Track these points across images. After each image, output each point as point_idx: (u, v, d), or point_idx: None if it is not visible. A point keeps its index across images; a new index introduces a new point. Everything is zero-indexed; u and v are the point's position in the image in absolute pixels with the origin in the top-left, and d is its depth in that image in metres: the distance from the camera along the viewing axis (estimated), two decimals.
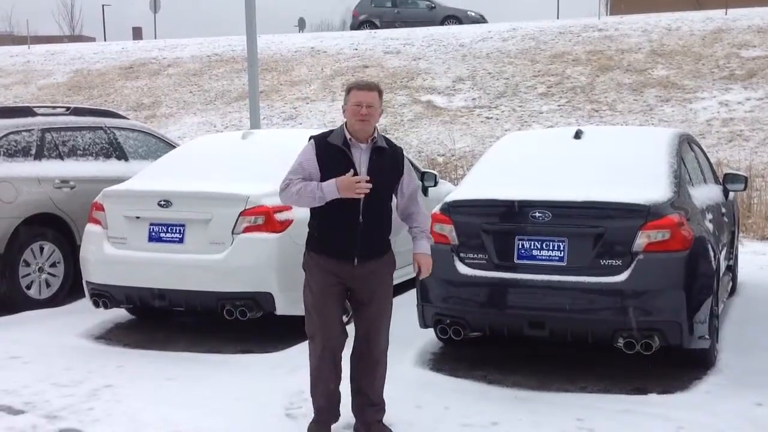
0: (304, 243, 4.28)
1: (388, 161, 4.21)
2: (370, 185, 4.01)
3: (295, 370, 5.20)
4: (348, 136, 4.13)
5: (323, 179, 4.08)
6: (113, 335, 6.64)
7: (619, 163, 5.63)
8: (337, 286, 4.17)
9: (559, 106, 17.21)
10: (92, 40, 46.37)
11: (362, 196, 4.01)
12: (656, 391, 5.05)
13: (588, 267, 4.99)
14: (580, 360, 5.70)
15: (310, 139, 4.25)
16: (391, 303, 4.33)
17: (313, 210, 4.20)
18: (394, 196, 4.29)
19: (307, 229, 4.28)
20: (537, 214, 5.11)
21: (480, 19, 26.93)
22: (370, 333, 4.25)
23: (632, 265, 4.90)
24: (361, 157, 4.13)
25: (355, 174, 4.05)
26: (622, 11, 27.14)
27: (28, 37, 32.00)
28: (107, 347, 6.27)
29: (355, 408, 4.34)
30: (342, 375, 4.30)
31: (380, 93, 4.20)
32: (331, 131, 4.24)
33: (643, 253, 4.90)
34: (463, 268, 5.29)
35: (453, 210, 5.42)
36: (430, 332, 5.67)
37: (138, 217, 6.20)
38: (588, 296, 4.98)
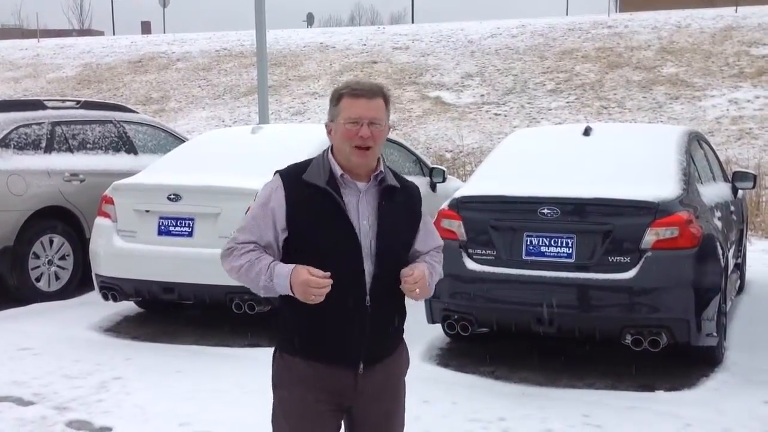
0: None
1: (402, 207, 2.65)
2: (327, 289, 2.44)
3: None
4: (339, 172, 2.56)
5: (295, 243, 2.56)
6: (122, 328, 6.67)
7: (627, 161, 5.63)
8: (330, 407, 2.63)
9: (567, 102, 17.17)
10: (101, 34, 46.59)
11: (319, 300, 2.45)
12: (663, 388, 5.05)
13: (596, 264, 4.99)
14: (587, 356, 5.70)
15: (275, 173, 2.65)
16: (403, 418, 2.92)
17: None
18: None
19: (282, 311, 2.68)
20: (545, 211, 5.12)
21: None
22: None
23: (640, 262, 4.90)
24: (359, 203, 2.56)
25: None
26: (631, 8, 27.03)
27: (37, 31, 32.16)
28: (116, 340, 6.30)
29: None
30: None
31: (387, 100, 2.60)
32: (309, 162, 2.63)
33: (652, 250, 4.90)
34: (471, 264, 5.30)
35: (461, 206, 5.42)
36: (438, 328, 5.68)
37: (147, 211, 6.23)
38: (596, 293, 4.99)
